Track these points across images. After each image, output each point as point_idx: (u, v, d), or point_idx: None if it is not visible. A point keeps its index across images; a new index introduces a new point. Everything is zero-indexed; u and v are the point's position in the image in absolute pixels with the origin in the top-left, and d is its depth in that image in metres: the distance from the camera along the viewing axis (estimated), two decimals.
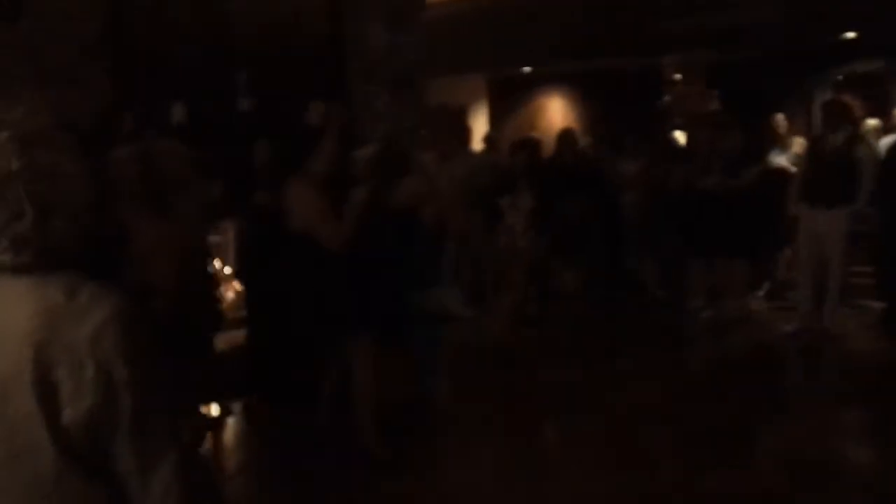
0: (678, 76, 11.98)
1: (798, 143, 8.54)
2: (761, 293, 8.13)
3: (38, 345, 1.48)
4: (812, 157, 6.99)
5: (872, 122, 8.78)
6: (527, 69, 12.63)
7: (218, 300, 5.73)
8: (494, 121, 12.89)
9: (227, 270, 6.55)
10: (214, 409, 5.43)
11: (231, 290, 6.51)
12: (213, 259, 5.69)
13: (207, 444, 5.14)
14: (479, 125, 12.15)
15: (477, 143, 10.48)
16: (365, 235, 4.57)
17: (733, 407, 5.43)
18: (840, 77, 11.26)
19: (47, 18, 6.05)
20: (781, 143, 8.64)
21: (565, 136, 8.60)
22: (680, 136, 9.73)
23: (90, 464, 1.51)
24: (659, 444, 4.87)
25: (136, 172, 3.97)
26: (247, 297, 5.98)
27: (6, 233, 1.52)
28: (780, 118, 8.83)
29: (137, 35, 6.61)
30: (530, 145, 8.48)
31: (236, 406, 5.59)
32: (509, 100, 13.04)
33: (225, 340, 5.70)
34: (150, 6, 6.73)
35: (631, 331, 7.30)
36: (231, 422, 5.48)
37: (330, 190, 4.62)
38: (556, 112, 13.09)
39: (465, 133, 9.62)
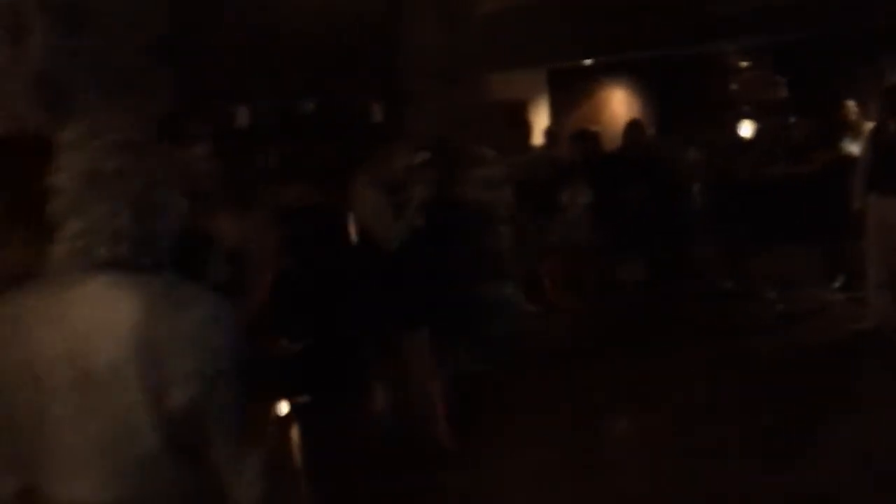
0: (744, 63, 11.72)
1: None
2: (837, 284, 7.89)
3: (143, 337, 1.57)
4: (873, 145, 6.73)
5: None
6: (588, 61, 12.47)
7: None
8: (555, 114, 12.76)
9: None
10: (283, 408, 5.48)
11: None
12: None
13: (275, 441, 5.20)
14: (541, 119, 12.04)
15: (538, 138, 10.41)
16: (422, 232, 4.58)
17: (803, 402, 5.28)
18: None
19: (108, 23, 6.18)
20: (853, 130, 8.37)
21: (632, 126, 8.48)
22: (747, 125, 9.53)
23: (188, 450, 1.61)
24: (725, 440, 4.76)
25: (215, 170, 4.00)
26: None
27: (104, 228, 1.61)
28: (851, 104, 8.55)
29: (198, 38, 6.70)
30: (588, 137, 8.39)
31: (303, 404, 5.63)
32: (571, 92, 12.89)
33: None
34: (209, 8, 6.82)
35: (696, 322, 7.16)
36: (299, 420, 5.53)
37: (390, 189, 4.65)
38: (620, 103, 12.91)
39: (524, 128, 9.57)
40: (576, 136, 8.58)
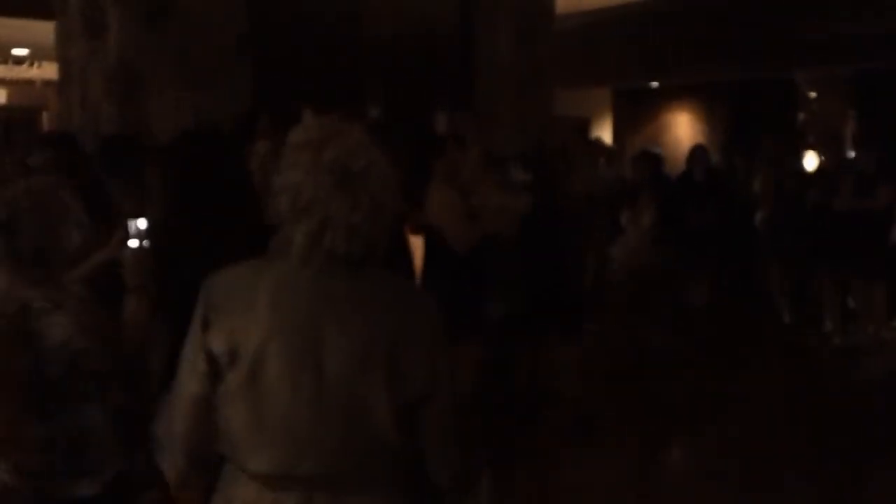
0: (813, 94, 11.56)
1: None
2: None
3: (389, 333, 1.72)
4: None
5: None
6: (654, 83, 12.43)
7: None
8: (618, 134, 12.73)
9: None
10: None
11: None
12: None
13: None
14: (603, 138, 12.02)
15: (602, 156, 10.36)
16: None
17: (852, 438, 5.18)
18: None
19: (190, 20, 6.30)
20: None
21: (697, 152, 8.39)
22: (813, 156, 9.39)
23: (408, 429, 1.75)
24: (771, 470, 4.69)
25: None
26: None
27: (342, 223, 1.70)
28: None
29: (275, 38, 6.80)
30: (651, 159, 8.33)
31: None
32: (634, 113, 12.84)
33: None
34: (287, 9, 6.92)
35: (756, 351, 7.06)
36: None
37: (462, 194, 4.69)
38: (683, 127, 12.83)
39: (588, 145, 9.55)
40: (638, 157, 8.52)
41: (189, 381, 1.78)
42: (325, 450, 1.71)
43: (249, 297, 1.73)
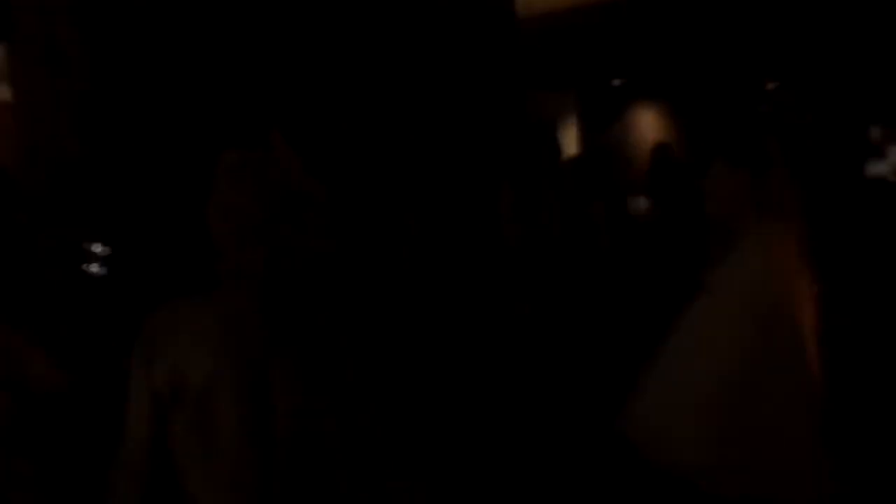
0: (771, 85, 11.65)
1: None
2: None
3: (341, 363, 1.72)
4: None
5: None
6: (617, 82, 12.49)
7: None
8: (584, 133, 12.76)
9: None
10: None
11: None
12: None
13: None
14: (570, 139, 12.09)
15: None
16: None
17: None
18: None
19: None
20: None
21: (661, 150, 8.43)
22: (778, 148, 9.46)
23: None
24: None
25: None
26: None
27: (295, 245, 1.69)
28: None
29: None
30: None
31: None
32: (599, 112, 12.88)
33: None
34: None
35: None
36: None
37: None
38: (648, 125, 12.90)
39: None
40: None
41: (137, 426, 1.69)
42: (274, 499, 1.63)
43: (195, 330, 1.66)
